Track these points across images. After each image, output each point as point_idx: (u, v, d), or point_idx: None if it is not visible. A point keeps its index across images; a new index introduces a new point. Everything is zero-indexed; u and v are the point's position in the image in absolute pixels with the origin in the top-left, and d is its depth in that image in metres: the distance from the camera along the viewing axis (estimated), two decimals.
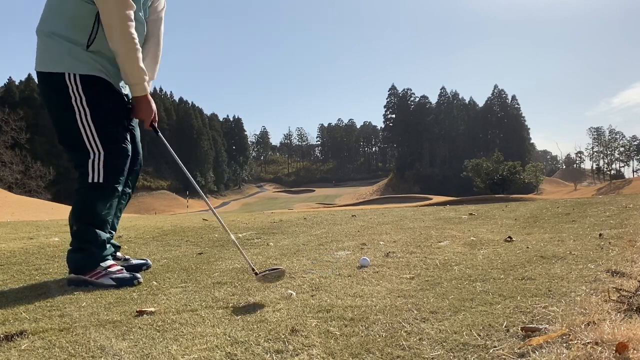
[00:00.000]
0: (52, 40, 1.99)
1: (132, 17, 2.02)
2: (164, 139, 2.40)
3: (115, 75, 2.13)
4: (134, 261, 2.43)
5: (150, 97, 2.19)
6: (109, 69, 2.09)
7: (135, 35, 2.03)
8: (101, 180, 2.05)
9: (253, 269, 1.96)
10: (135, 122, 2.37)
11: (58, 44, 1.99)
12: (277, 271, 1.91)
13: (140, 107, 2.18)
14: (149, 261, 2.47)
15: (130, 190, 2.42)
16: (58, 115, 2.07)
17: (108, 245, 2.16)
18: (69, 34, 1.99)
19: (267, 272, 1.88)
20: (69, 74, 1.99)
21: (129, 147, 2.17)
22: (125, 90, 2.24)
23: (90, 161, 2.04)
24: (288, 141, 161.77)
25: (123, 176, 2.15)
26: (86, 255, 2.06)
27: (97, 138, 2.04)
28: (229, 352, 1.19)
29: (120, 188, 2.15)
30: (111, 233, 2.33)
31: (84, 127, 2.02)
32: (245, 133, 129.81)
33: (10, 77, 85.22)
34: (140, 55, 2.06)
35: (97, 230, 2.08)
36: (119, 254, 2.42)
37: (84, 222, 2.07)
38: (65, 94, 2.00)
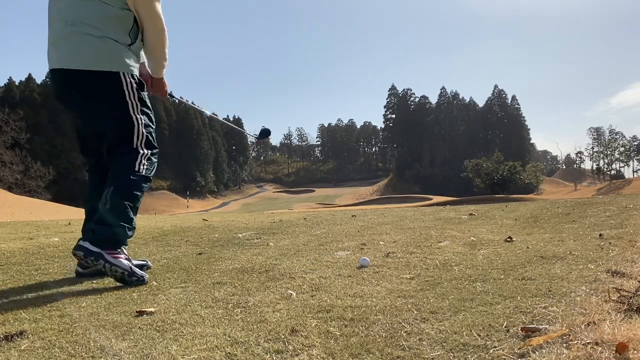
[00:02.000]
0: (103, 42, 2.10)
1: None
2: (180, 98, 2.79)
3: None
4: (135, 262, 2.42)
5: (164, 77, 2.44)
6: (136, 69, 2.26)
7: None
8: (144, 173, 2.22)
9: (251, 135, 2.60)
10: None
11: (110, 45, 2.11)
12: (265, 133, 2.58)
13: (160, 86, 2.44)
14: (149, 262, 2.48)
15: None
16: (105, 111, 2.18)
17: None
18: (117, 36, 2.12)
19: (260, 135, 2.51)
20: (124, 74, 2.14)
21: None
22: None
23: (139, 156, 2.22)
24: (288, 141, 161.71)
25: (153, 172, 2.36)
26: (118, 232, 2.08)
27: (144, 138, 2.24)
28: (229, 353, 1.19)
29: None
30: None
31: (137, 128, 2.21)
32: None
33: (10, 77, 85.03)
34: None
35: (133, 216, 2.17)
36: None
37: (126, 202, 2.13)
38: (122, 96, 2.15)
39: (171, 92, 2.61)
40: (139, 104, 2.21)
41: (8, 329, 1.44)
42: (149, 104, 2.30)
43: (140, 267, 2.37)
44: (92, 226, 2.09)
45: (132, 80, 2.17)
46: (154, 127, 2.34)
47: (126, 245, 2.19)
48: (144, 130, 2.24)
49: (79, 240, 2.04)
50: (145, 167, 2.24)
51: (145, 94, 2.29)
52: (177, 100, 2.73)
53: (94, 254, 2.00)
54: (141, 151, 2.24)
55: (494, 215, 4.58)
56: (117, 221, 2.09)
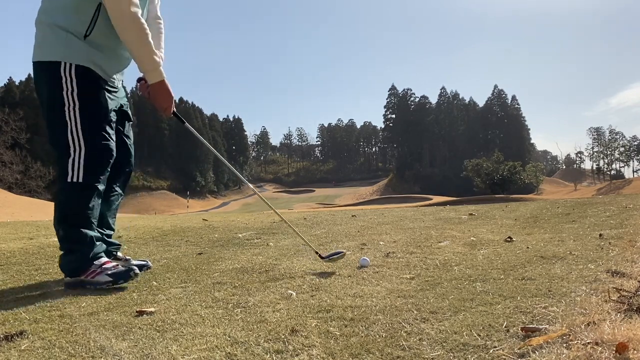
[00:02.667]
0: (51, 30, 1.99)
1: (138, 3, 2.02)
2: (190, 127, 2.40)
3: (110, 67, 2.12)
4: (135, 262, 2.41)
5: (167, 83, 2.15)
6: (102, 61, 2.07)
7: (144, 21, 2.03)
8: (80, 180, 2.00)
9: (317, 252, 2.26)
10: (128, 124, 2.37)
11: (56, 34, 1.98)
12: (341, 254, 2.24)
13: (158, 94, 2.13)
14: (149, 262, 2.46)
15: (121, 191, 2.41)
16: (48, 104, 2.04)
17: (98, 243, 2.10)
18: (68, 24, 1.99)
19: (332, 256, 2.23)
20: (65, 64, 1.98)
21: (113, 144, 2.12)
22: (115, 83, 2.22)
23: (70, 159, 2.00)
24: (288, 141, 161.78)
25: (104, 175, 2.10)
26: (78, 256, 2.02)
27: (81, 133, 2.00)
28: (229, 353, 1.19)
29: (101, 187, 2.10)
30: (108, 233, 2.34)
31: (70, 120, 1.99)
32: (245, 133, 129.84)
33: (10, 77, 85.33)
34: (151, 40, 2.05)
35: (82, 230, 2.04)
36: (119, 254, 2.41)
37: (68, 223, 2.03)
38: (59, 85, 1.98)
39: (176, 111, 2.27)
40: (77, 100, 1.97)
41: (8, 329, 1.44)
42: (101, 95, 2.06)
43: (140, 267, 2.34)
44: (61, 261, 2.06)
45: (71, 69, 1.96)
46: (105, 123, 2.07)
47: (99, 258, 2.05)
48: (76, 123, 1.98)
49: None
50: (81, 170, 1.98)
51: (103, 90, 2.07)
52: (185, 124, 2.36)
53: (76, 283, 2.01)
54: (73, 152, 1.98)
55: (494, 215, 4.58)
56: (72, 244, 2.03)
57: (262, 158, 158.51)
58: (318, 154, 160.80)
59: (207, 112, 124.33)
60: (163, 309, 1.61)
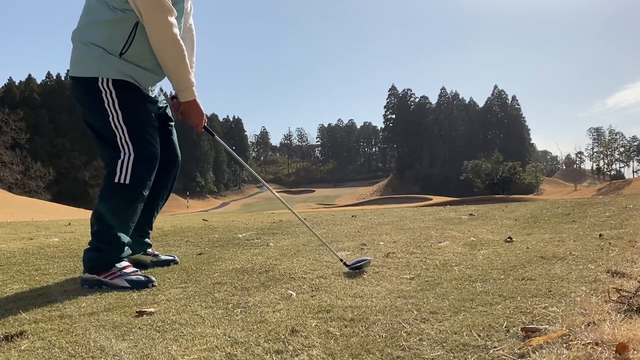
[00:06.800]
0: (87, 48, 2.04)
1: (176, 23, 2.06)
2: (220, 140, 2.52)
3: (146, 81, 2.17)
4: (163, 257, 2.52)
5: (199, 101, 2.25)
6: (140, 74, 2.12)
7: (182, 42, 2.07)
8: (127, 182, 2.04)
9: (342, 260, 2.17)
10: (170, 124, 2.43)
11: (92, 51, 2.03)
12: (366, 262, 2.13)
13: (190, 112, 2.24)
14: (176, 258, 2.57)
15: (168, 191, 2.53)
16: (92, 117, 2.11)
17: (126, 248, 2.12)
18: (104, 43, 2.03)
19: (358, 263, 2.11)
20: (102, 79, 2.03)
21: (158, 149, 2.18)
22: (154, 93, 2.29)
23: (119, 161, 2.04)
24: (288, 141, 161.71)
25: (150, 181, 2.14)
26: (102, 255, 2.05)
27: (129, 139, 2.07)
28: (229, 353, 1.19)
29: (146, 193, 2.13)
30: (148, 231, 2.45)
31: (116, 129, 2.06)
32: (245, 133, 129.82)
33: (10, 77, 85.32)
34: (187, 61, 2.11)
35: (118, 233, 2.07)
36: (149, 250, 2.51)
37: (105, 222, 2.05)
38: (99, 98, 2.04)
39: (207, 125, 2.35)
40: (119, 110, 2.04)
41: (8, 329, 1.44)
42: (141, 103, 2.13)
43: (168, 262, 2.48)
44: (84, 254, 2.09)
45: (108, 83, 2.02)
46: (150, 129, 2.15)
47: (119, 262, 2.07)
48: (123, 131, 2.05)
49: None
50: (129, 172, 2.03)
51: (136, 100, 2.12)
52: (216, 138, 2.48)
53: (94, 281, 2.03)
54: (122, 154, 2.05)
55: (493, 216, 4.58)
56: (102, 244, 2.06)
57: (262, 158, 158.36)
58: (318, 154, 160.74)
59: (207, 112, 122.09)
60: (163, 309, 1.61)
